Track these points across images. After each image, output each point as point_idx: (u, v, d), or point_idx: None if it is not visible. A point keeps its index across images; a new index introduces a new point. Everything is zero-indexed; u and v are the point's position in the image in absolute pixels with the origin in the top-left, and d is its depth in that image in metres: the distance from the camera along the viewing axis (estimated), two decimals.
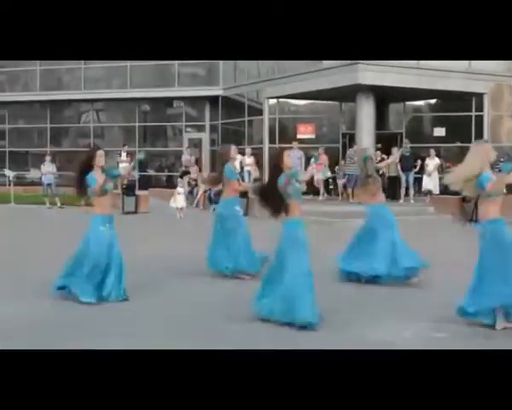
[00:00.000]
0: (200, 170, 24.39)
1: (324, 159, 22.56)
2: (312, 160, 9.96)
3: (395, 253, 9.74)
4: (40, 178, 24.40)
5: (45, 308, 8.23)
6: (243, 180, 22.64)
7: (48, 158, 24.30)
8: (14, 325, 7.29)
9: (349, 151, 22.68)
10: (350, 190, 22.07)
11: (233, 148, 10.98)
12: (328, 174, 22.72)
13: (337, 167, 23.11)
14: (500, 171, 20.67)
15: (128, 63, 28.34)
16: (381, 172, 21.81)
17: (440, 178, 22.17)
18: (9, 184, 25.05)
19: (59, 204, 23.19)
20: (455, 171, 7.52)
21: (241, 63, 26.91)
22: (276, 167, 7.48)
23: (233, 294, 9.22)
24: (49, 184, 23.61)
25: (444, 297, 8.67)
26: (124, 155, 25.44)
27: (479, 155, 7.15)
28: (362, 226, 10.21)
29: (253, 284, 9.60)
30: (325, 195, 22.96)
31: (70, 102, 30.68)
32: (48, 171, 23.74)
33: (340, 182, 22.89)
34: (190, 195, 22.82)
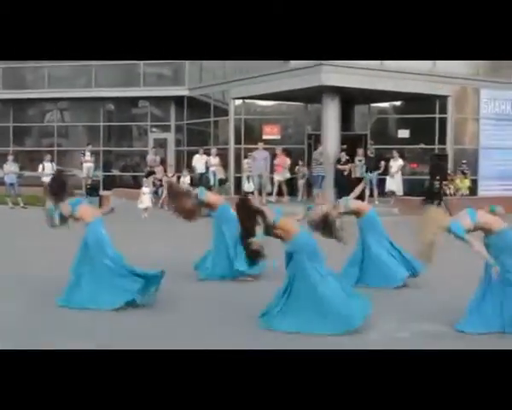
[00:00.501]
0: (165, 170, 24.31)
1: (283, 160, 22.61)
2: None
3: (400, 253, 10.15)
4: (2, 178, 23.99)
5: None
6: (208, 180, 22.69)
7: (10, 158, 24.03)
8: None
9: (314, 153, 22.75)
10: (315, 192, 22.14)
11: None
12: (288, 175, 22.78)
13: (297, 168, 23.20)
14: (464, 173, 20.74)
15: (93, 62, 28.10)
16: (346, 172, 22.07)
17: (403, 180, 22.51)
18: None
19: (21, 204, 22.95)
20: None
21: (207, 64, 26.84)
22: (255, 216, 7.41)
23: (224, 294, 9.42)
24: (11, 184, 23.34)
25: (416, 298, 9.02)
26: (88, 154, 25.28)
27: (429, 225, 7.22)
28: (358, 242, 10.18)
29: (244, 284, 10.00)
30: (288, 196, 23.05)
31: (33, 100, 30.23)
32: (10, 170, 23.46)
33: (301, 182, 22.95)
34: (155, 195, 22.73)
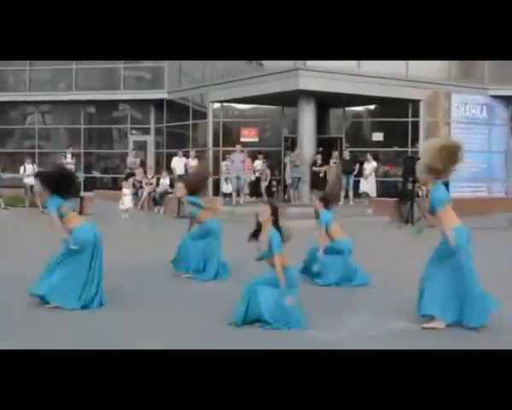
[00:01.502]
0: (144, 172, 24.67)
1: (248, 162, 22.89)
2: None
3: None
4: None
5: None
6: None
7: None
8: None
9: (291, 156, 23.20)
10: (291, 192, 22.70)
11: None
12: (252, 177, 23.09)
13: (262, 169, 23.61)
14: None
15: (74, 66, 28.44)
16: (321, 174, 22.63)
17: (377, 181, 23.08)
18: None
19: (2, 205, 23.22)
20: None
21: (186, 67, 27.21)
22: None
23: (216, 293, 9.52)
24: None
25: (387, 296, 9.21)
26: (69, 156, 25.61)
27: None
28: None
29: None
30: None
31: (15, 103, 30.46)
32: None
33: (263, 184, 23.35)
34: (135, 196, 23.10)
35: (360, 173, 22.77)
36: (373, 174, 22.69)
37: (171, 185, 23.17)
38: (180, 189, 10.82)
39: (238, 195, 22.40)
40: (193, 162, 23.60)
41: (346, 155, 23.18)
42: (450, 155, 7.55)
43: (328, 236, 10.28)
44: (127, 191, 21.07)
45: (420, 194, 21.83)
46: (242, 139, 24.85)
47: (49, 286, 8.25)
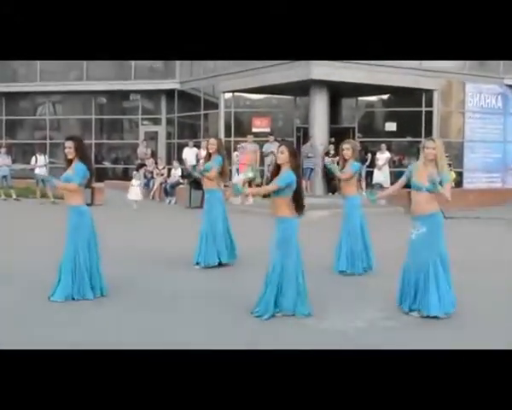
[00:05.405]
0: (155, 162, 24.62)
1: (250, 158, 21.96)
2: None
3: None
4: None
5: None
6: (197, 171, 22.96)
7: (3, 150, 24.21)
8: None
9: (304, 147, 23.05)
10: (304, 183, 22.51)
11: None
12: (251, 175, 22.63)
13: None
14: (448, 164, 21.08)
15: None
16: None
17: (391, 172, 22.88)
18: None
19: (14, 196, 23.23)
20: None
21: None
22: None
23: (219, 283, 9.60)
24: (4, 177, 23.57)
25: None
26: None
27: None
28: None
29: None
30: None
31: (26, 94, 30.52)
32: (3, 163, 23.68)
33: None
34: (146, 187, 23.05)
35: (372, 164, 22.58)
36: (387, 165, 22.49)
37: (183, 176, 23.07)
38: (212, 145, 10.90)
39: (250, 185, 22.17)
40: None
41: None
42: None
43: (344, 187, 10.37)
44: (136, 182, 21.03)
45: None
46: (254, 129, 24.68)
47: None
